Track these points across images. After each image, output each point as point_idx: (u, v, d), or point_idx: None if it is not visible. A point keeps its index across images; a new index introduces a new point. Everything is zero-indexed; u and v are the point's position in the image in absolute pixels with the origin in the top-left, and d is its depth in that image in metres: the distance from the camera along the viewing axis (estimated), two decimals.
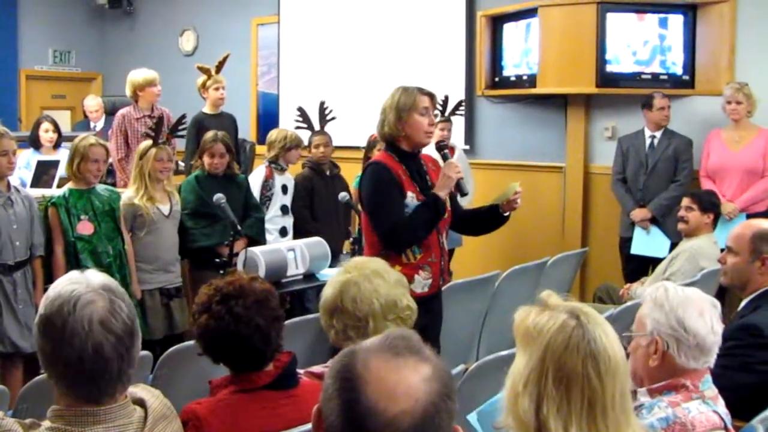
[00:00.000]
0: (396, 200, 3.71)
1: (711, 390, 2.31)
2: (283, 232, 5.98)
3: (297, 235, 5.91)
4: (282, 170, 6.08)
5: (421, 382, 1.33)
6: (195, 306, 2.56)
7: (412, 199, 3.73)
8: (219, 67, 6.90)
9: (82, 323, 1.75)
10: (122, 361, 1.79)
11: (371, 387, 1.32)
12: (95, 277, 1.85)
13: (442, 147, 3.97)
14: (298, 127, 6.53)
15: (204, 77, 6.83)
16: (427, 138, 3.82)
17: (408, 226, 3.70)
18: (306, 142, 6.40)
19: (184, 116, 5.85)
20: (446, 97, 6.62)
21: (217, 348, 2.49)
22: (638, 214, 6.25)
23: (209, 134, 5.51)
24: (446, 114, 6.69)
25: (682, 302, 2.30)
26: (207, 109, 6.82)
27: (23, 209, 4.58)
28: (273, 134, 6.17)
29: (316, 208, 6.12)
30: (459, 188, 3.83)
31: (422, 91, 3.80)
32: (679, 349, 2.27)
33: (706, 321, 2.29)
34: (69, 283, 1.83)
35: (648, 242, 6.22)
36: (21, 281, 4.56)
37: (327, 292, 2.79)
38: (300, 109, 6.58)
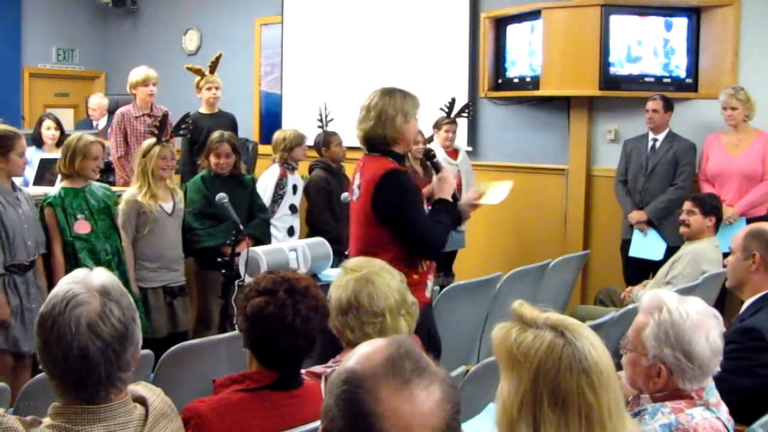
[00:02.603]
0: (423, 208, 3.79)
1: (714, 397, 2.31)
2: (290, 231, 6.02)
3: (317, 236, 5.84)
4: (293, 170, 6.16)
5: (436, 408, 1.32)
6: (253, 284, 2.51)
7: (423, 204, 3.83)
8: (213, 67, 6.90)
9: (69, 324, 1.76)
10: (110, 366, 1.78)
11: (388, 422, 1.29)
12: (98, 277, 1.85)
13: (431, 156, 3.99)
14: (319, 127, 6.60)
15: (198, 78, 6.84)
16: (413, 145, 3.93)
17: (443, 231, 3.76)
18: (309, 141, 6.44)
19: (187, 115, 5.85)
20: (453, 99, 6.62)
21: (261, 332, 2.44)
22: (635, 216, 6.25)
23: (215, 134, 5.52)
24: (452, 116, 6.70)
25: (688, 331, 2.23)
26: (202, 109, 6.83)
27: (29, 208, 4.59)
28: (274, 137, 6.24)
29: (335, 208, 6.13)
30: (454, 195, 3.91)
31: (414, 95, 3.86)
32: (683, 377, 2.25)
33: (711, 343, 2.24)
34: (69, 282, 1.84)
35: (644, 245, 6.23)
36: (32, 280, 4.57)
37: (338, 293, 2.79)
38: (319, 109, 6.68)
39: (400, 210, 3.67)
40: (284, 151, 6.06)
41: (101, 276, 1.86)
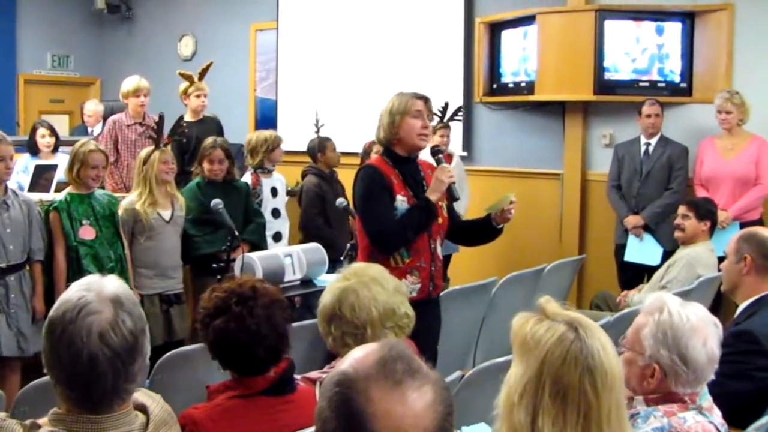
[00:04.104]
0: (385, 203, 3.74)
1: (707, 401, 2.31)
2: (276, 237, 5.93)
3: (311, 242, 5.75)
4: (269, 173, 6.04)
5: (427, 409, 1.33)
6: (203, 310, 2.52)
7: (402, 202, 3.75)
8: (202, 75, 6.87)
9: (80, 333, 1.73)
10: (118, 377, 1.76)
11: (379, 423, 1.30)
12: (110, 285, 1.82)
13: (436, 152, 3.95)
14: (315, 132, 6.60)
15: (186, 84, 6.81)
16: (421, 141, 3.83)
17: (397, 228, 3.72)
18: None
19: (181, 117, 5.83)
20: (446, 104, 6.62)
21: (234, 350, 2.46)
22: (631, 221, 6.26)
23: (209, 140, 5.51)
24: (445, 120, 6.69)
25: (687, 333, 2.24)
26: (188, 117, 6.70)
27: (20, 213, 4.57)
28: (252, 140, 6.06)
29: (328, 214, 6.11)
30: (450, 193, 3.82)
31: (416, 95, 3.84)
32: (676, 380, 2.25)
33: (708, 350, 2.25)
34: (81, 288, 1.80)
35: (641, 250, 6.23)
36: (15, 285, 4.55)
37: (325, 299, 2.79)
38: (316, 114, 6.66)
39: (357, 203, 3.89)
40: (266, 153, 5.97)
41: (113, 285, 1.83)
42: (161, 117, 5.43)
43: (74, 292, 1.80)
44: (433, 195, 3.75)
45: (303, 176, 6.43)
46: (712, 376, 2.30)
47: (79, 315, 1.75)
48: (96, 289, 1.80)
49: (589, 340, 1.76)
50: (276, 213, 5.97)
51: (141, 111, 6.74)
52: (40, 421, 1.81)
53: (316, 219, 6.12)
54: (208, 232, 5.28)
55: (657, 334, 2.26)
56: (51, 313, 1.80)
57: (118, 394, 1.79)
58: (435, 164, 3.90)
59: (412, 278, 3.74)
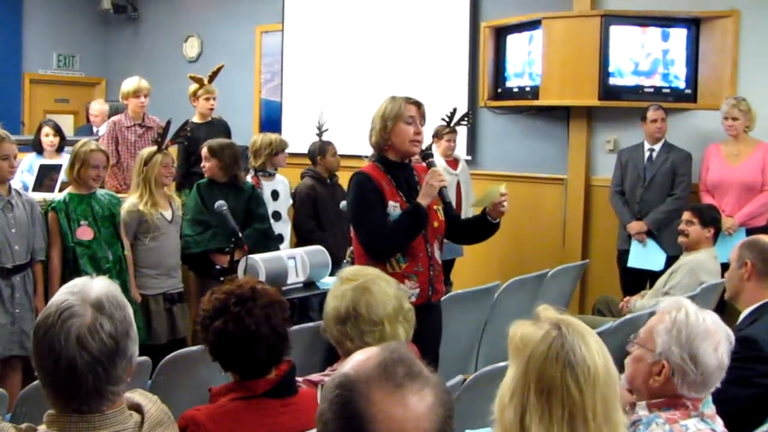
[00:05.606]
0: (376, 209, 3.69)
1: (710, 409, 2.31)
2: (277, 240, 5.94)
3: (302, 245, 5.78)
4: (270, 176, 6.05)
5: (428, 412, 1.34)
6: (203, 312, 2.53)
7: (394, 208, 3.70)
8: (212, 77, 6.88)
9: (59, 337, 1.75)
10: (99, 380, 1.76)
11: (380, 425, 1.31)
12: (95, 288, 1.82)
13: (427, 156, 3.89)
14: (318, 135, 6.60)
15: (195, 86, 6.81)
16: (413, 147, 3.77)
17: (387, 234, 3.68)
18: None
19: (187, 122, 5.84)
20: (454, 109, 6.62)
21: (234, 351, 2.46)
22: (634, 227, 6.25)
23: (208, 141, 5.59)
24: (452, 124, 6.70)
25: (701, 335, 2.25)
26: (196, 119, 6.77)
27: (24, 213, 4.57)
28: (257, 141, 6.08)
29: (321, 217, 6.11)
30: (442, 197, 3.75)
31: (409, 100, 3.78)
32: (683, 381, 2.25)
33: (719, 356, 2.25)
34: (66, 292, 1.82)
35: (644, 255, 6.22)
36: (20, 285, 4.55)
37: (335, 303, 2.76)
38: (318, 118, 6.64)
39: (349, 209, 3.87)
40: (269, 156, 5.98)
41: (99, 287, 1.83)
42: (168, 123, 5.44)
43: (60, 295, 1.82)
44: (423, 200, 3.68)
45: (301, 178, 6.43)
46: (718, 384, 2.30)
47: (60, 319, 1.76)
48: (80, 292, 1.81)
49: (570, 337, 1.79)
50: (277, 216, 5.96)
51: (141, 112, 6.74)
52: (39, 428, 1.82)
53: (307, 221, 6.10)
54: (199, 231, 5.30)
55: (671, 331, 2.27)
56: (38, 317, 1.82)
57: (103, 396, 1.79)
58: (427, 167, 3.85)
59: (410, 283, 3.68)
